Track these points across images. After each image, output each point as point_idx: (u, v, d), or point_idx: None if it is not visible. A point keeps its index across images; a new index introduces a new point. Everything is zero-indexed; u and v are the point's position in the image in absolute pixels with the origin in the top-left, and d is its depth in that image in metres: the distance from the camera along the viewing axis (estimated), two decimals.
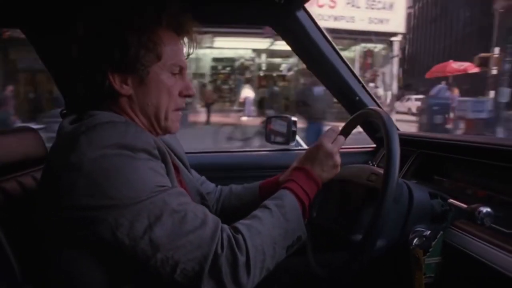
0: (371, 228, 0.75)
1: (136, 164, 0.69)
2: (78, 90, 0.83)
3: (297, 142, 1.66)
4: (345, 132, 1.07)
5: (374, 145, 1.68)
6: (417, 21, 32.90)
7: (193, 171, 1.12)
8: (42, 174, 0.77)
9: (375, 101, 1.52)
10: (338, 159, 0.92)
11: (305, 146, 1.79)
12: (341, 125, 1.03)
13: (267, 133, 1.70)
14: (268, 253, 0.73)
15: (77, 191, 0.66)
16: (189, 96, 0.87)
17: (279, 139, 1.63)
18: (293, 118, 1.59)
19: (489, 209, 0.79)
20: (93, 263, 0.71)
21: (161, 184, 0.70)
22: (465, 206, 0.85)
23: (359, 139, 1.71)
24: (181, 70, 0.85)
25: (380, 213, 0.74)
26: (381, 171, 0.80)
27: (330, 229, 0.96)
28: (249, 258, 0.70)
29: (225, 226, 0.73)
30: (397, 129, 1.56)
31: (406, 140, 1.34)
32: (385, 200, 0.74)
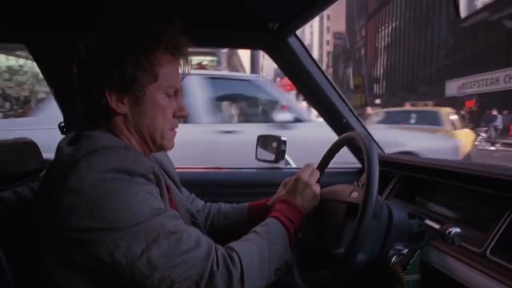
0: (353, 240, 0.80)
1: (134, 188, 0.71)
2: (77, 106, 0.85)
3: (286, 160, 1.71)
4: (331, 154, 1.12)
5: (360, 166, 1.74)
6: None
7: (183, 189, 1.13)
8: (39, 192, 0.79)
9: (361, 123, 1.59)
10: (316, 189, 0.99)
11: (294, 165, 1.84)
12: None
13: (257, 152, 1.75)
14: (259, 273, 0.77)
15: (77, 214, 0.68)
16: (182, 116, 0.90)
17: (268, 157, 1.68)
18: (283, 138, 1.64)
19: (458, 230, 0.85)
20: (89, 283, 0.73)
21: (157, 207, 0.73)
22: (437, 226, 0.90)
23: None
24: (176, 92, 0.88)
25: (361, 226, 0.79)
26: (363, 189, 0.85)
27: (315, 246, 1.00)
28: (243, 274, 0.73)
29: (219, 246, 0.77)
30: (382, 150, 1.63)
31: (389, 163, 1.40)
32: (365, 214, 0.79)
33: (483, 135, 13.82)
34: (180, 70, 0.89)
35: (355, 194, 0.92)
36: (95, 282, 0.73)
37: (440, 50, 31.70)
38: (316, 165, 1.07)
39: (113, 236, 0.67)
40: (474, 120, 17.84)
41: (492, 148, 13.17)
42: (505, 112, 17.18)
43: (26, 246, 0.91)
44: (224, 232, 1.14)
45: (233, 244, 0.79)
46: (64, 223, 0.68)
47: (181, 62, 0.89)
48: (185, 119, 1.15)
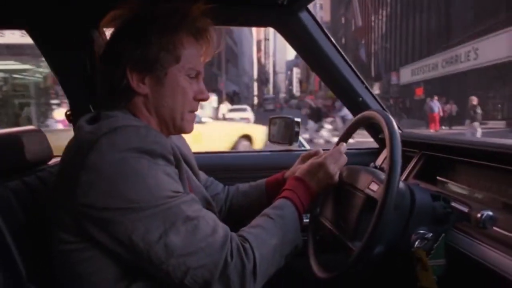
0: (369, 239, 0.76)
1: (154, 169, 0.70)
2: (97, 86, 0.85)
3: (300, 142, 1.66)
4: (347, 135, 1.07)
5: (378, 146, 1.68)
6: None
7: (201, 173, 1.13)
8: (58, 172, 0.79)
9: (378, 102, 1.52)
10: (336, 179, 0.96)
11: (307, 147, 1.79)
12: None
13: (270, 134, 1.71)
14: (271, 261, 0.77)
15: (95, 192, 0.67)
16: (203, 100, 0.89)
17: (281, 139, 1.63)
18: (296, 119, 1.59)
19: (490, 213, 0.79)
20: (103, 263, 0.73)
21: (176, 189, 0.73)
22: (466, 209, 0.85)
23: None
24: (197, 74, 0.88)
25: (378, 226, 0.75)
26: (383, 177, 0.80)
27: (331, 231, 0.96)
28: (255, 266, 0.72)
29: (234, 234, 0.76)
30: (400, 129, 1.56)
31: (409, 142, 1.34)
32: (383, 214, 0.75)
33: (328, 126, 11.91)
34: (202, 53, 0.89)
35: (374, 187, 0.86)
36: (112, 262, 0.73)
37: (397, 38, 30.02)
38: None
39: (131, 216, 0.67)
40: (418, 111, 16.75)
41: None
42: (435, 98, 15.71)
43: (37, 234, 0.90)
44: (244, 210, 1.14)
45: (246, 234, 0.77)
46: (83, 200, 0.68)
47: (203, 45, 0.89)
48: None
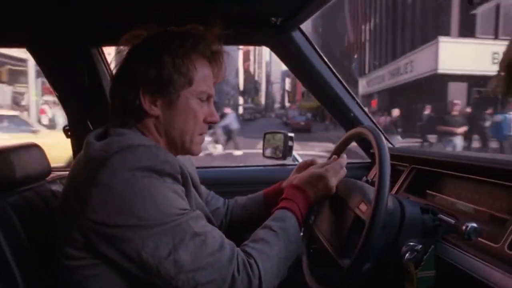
0: (356, 258, 0.79)
1: (162, 188, 0.72)
2: (109, 105, 0.86)
3: (294, 157, 1.69)
4: (339, 150, 1.10)
5: (369, 160, 1.71)
6: None
7: (202, 187, 1.14)
8: (66, 187, 0.80)
9: (369, 117, 1.56)
10: (334, 191, 0.97)
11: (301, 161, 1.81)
12: None
13: (264, 149, 1.73)
14: (275, 274, 0.78)
15: (106, 209, 0.68)
16: (213, 122, 0.91)
17: (275, 154, 1.66)
18: (290, 134, 1.62)
19: (475, 225, 0.82)
20: (110, 280, 0.74)
21: (184, 207, 0.74)
22: (453, 221, 0.88)
23: None
24: (209, 97, 0.89)
25: (365, 246, 0.78)
26: (371, 197, 0.83)
27: (323, 245, 0.99)
28: (261, 281, 0.74)
29: (239, 250, 0.77)
30: (391, 143, 1.60)
31: (399, 156, 1.37)
32: (371, 235, 0.78)
33: (208, 138, 10.73)
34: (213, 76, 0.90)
35: (363, 207, 0.88)
36: (119, 279, 0.74)
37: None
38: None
39: (141, 233, 0.68)
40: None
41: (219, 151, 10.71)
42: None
43: (37, 250, 0.91)
44: (244, 222, 1.16)
45: (250, 249, 0.78)
46: (93, 217, 0.69)
47: (216, 68, 0.90)
48: None
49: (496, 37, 14.99)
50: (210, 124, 0.92)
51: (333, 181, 0.96)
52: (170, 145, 0.88)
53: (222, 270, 0.71)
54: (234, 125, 11.41)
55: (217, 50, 0.89)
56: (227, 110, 12.07)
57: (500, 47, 12.65)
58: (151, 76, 0.81)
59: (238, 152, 10.93)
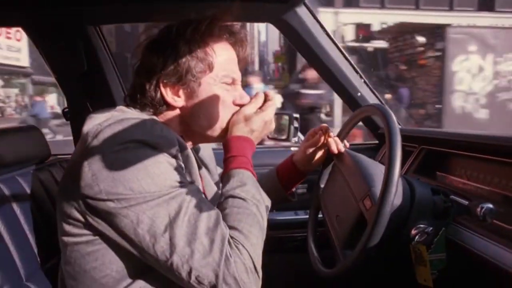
0: (359, 253, 0.78)
1: (157, 159, 0.69)
2: (131, 94, 0.84)
3: (300, 138, 1.66)
4: (347, 129, 1.07)
5: (377, 142, 1.67)
6: None
7: (218, 169, 1.08)
8: (68, 165, 0.79)
9: (377, 96, 1.52)
10: (260, 119, 0.85)
11: None
12: None
13: None
14: (261, 240, 0.74)
15: (99, 182, 0.67)
16: (243, 105, 0.86)
17: (280, 135, 1.63)
18: (295, 115, 1.58)
19: (490, 205, 0.79)
20: (107, 259, 0.72)
21: (180, 180, 0.71)
22: (466, 202, 0.84)
23: None
24: (234, 80, 0.85)
25: (367, 244, 0.76)
26: (378, 193, 0.78)
27: (328, 230, 0.96)
28: (253, 261, 0.70)
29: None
30: (399, 123, 1.56)
31: (408, 136, 1.33)
32: (373, 236, 0.75)
33: None
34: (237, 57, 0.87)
35: (368, 204, 0.84)
36: (116, 257, 0.73)
37: None
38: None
39: (136, 208, 0.66)
40: None
41: None
42: None
43: (36, 233, 0.90)
44: None
45: (234, 232, 0.71)
46: (87, 191, 0.68)
47: (238, 49, 0.87)
48: None
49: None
50: None
51: (268, 115, 0.87)
52: (195, 135, 0.86)
53: (215, 252, 0.67)
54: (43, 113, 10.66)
55: (236, 30, 0.86)
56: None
57: None
58: (169, 67, 0.79)
59: None
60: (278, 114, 1.67)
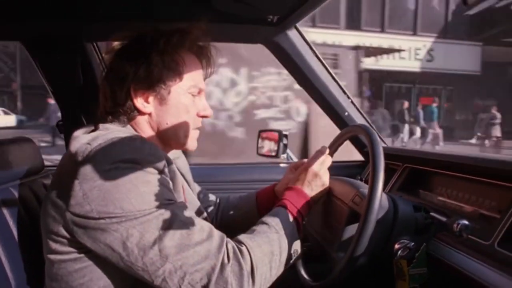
0: (353, 251, 0.79)
1: (146, 178, 0.71)
2: (100, 104, 0.86)
3: (288, 155, 1.70)
4: (333, 148, 1.11)
5: (363, 159, 1.72)
6: None
7: (195, 185, 1.14)
8: (53, 182, 0.79)
9: (363, 117, 1.57)
10: (326, 179, 0.96)
11: (295, 160, 1.82)
12: None
13: (258, 146, 1.74)
14: (269, 265, 0.77)
15: (90, 202, 0.68)
16: (206, 116, 0.91)
17: (269, 152, 1.66)
18: (284, 132, 1.62)
19: (466, 222, 0.83)
20: (95, 275, 0.73)
21: (169, 197, 0.73)
22: (445, 219, 0.89)
23: None
24: (200, 91, 0.89)
25: (361, 238, 0.78)
26: (366, 191, 0.84)
27: (317, 241, 0.99)
28: (253, 268, 0.73)
29: (229, 239, 0.76)
30: (384, 142, 1.62)
31: (393, 155, 1.39)
32: (366, 227, 0.78)
33: None
34: (203, 71, 0.91)
35: (357, 200, 0.89)
36: (104, 273, 0.74)
37: None
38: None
39: (126, 224, 0.68)
40: None
41: None
42: None
43: (28, 245, 0.91)
44: (235, 223, 1.14)
45: (242, 237, 0.78)
46: (77, 210, 0.69)
47: (204, 62, 0.91)
48: None
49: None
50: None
51: (326, 175, 0.96)
52: (164, 141, 0.88)
53: (211, 259, 0.70)
54: None
55: (205, 45, 0.90)
56: None
57: None
58: (141, 75, 0.81)
59: None
60: (268, 132, 1.72)
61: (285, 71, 1.51)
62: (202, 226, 0.73)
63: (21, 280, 0.88)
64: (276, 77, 5.81)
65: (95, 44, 1.41)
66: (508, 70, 16.07)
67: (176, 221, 0.70)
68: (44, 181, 1.11)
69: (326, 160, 0.98)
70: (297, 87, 1.56)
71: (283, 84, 5.83)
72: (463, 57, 15.55)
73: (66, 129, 1.42)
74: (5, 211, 0.92)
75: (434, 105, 12.35)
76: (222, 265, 0.70)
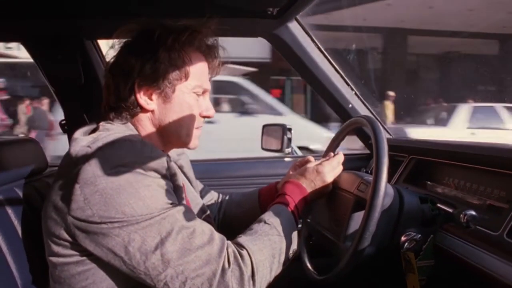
0: (359, 237, 0.78)
1: (147, 182, 0.71)
2: (103, 99, 0.86)
3: (293, 149, 1.69)
4: (338, 140, 1.10)
5: (368, 152, 1.70)
6: None
7: (197, 182, 1.13)
8: (53, 184, 0.79)
9: (368, 108, 1.55)
10: (327, 177, 0.95)
11: (299, 154, 1.81)
12: None
13: (262, 141, 1.73)
14: (269, 267, 0.77)
15: (91, 206, 0.67)
16: (209, 117, 0.90)
17: (274, 146, 1.66)
18: (288, 126, 1.61)
19: (473, 212, 0.82)
20: (97, 277, 0.73)
21: (170, 201, 0.73)
22: (451, 210, 0.87)
23: None
24: (204, 92, 0.89)
25: (368, 224, 0.77)
26: (371, 178, 0.83)
27: (323, 235, 0.98)
28: (254, 272, 0.73)
29: (230, 242, 0.76)
30: (389, 134, 1.60)
31: (398, 146, 1.37)
32: (373, 212, 0.77)
33: None
34: (209, 71, 0.90)
35: (362, 187, 0.88)
36: (106, 276, 0.74)
37: None
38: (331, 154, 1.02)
39: (127, 229, 0.67)
40: None
41: None
42: None
43: (33, 245, 0.91)
44: (237, 220, 1.14)
45: (243, 240, 0.77)
46: (78, 214, 0.68)
47: (211, 63, 0.90)
48: None
49: None
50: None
51: (330, 177, 0.95)
52: (165, 140, 0.88)
53: (212, 263, 0.69)
54: None
55: (213, 44, 0.89)
56: None
57: None
58: (146, 71, 0.80)
59: None
60: (273, 125, 1.71)
61: None
62: (203, 230, 0.73)
63: (26, 280, 0.89)
64: None
65: (95, 43, 1.40)
66: None
67: (178, 225, 0.70)
68: (49, 180, 1.12)
69: (337, 168, 0.97)
70: None
71: None
72: None
73: (68, 127, 1.42)
74: (10, 211, 0.92)
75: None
76: (223, 270, 0.70)
